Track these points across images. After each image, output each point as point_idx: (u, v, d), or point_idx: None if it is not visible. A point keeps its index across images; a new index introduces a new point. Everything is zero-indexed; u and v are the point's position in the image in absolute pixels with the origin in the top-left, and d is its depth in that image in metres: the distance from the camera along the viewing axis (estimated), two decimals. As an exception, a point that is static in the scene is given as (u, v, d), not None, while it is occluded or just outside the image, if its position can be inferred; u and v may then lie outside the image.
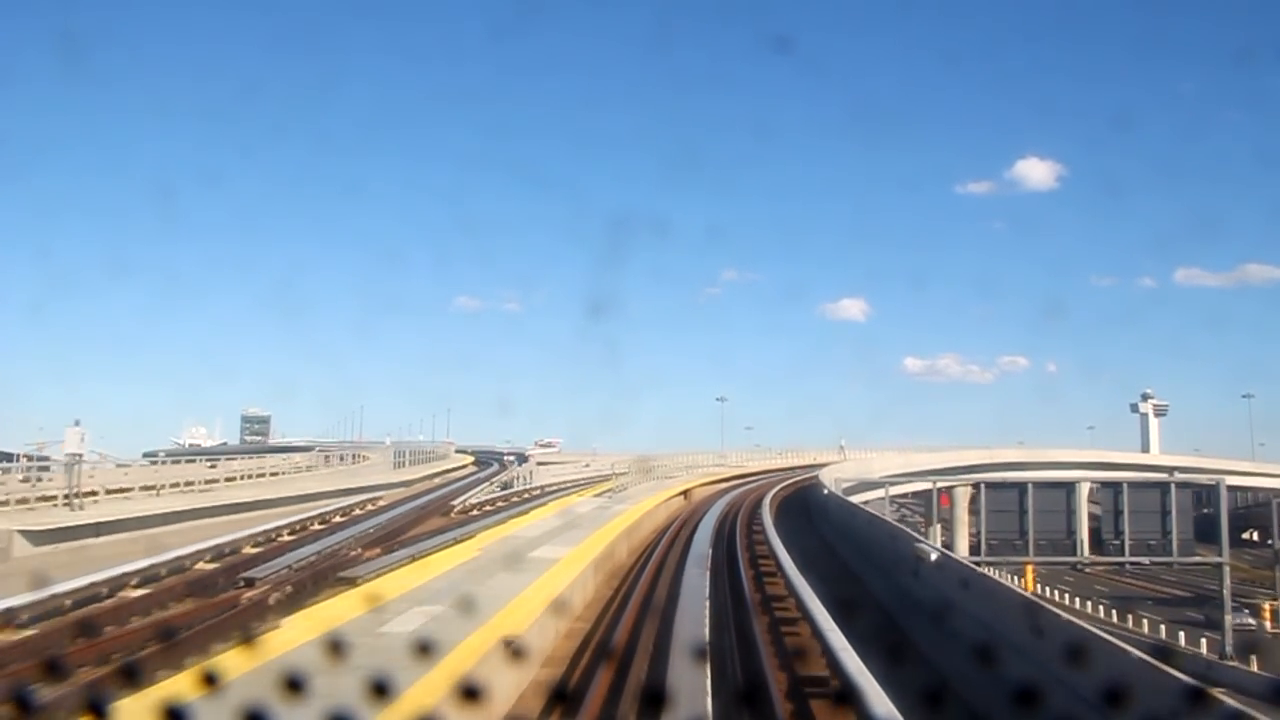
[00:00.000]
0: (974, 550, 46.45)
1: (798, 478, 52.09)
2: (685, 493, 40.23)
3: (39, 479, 27.72)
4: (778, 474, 58.69)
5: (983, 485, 45.31)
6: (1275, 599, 47.55)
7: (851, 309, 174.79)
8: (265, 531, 24.41)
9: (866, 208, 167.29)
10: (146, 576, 17.55)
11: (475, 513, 31.99)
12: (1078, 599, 53.71)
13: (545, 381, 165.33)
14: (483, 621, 11.58)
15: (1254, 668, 37.41)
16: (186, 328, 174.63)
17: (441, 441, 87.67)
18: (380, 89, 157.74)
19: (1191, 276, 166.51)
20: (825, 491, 31.93)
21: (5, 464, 32.84)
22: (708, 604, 15.20)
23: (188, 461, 41.45)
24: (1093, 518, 46.17)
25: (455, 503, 33.06)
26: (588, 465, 54.94)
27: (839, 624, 12.30)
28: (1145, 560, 44.53)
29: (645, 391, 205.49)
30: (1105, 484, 47.05)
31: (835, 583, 19.25)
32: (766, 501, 34.46)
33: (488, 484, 43.05)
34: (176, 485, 30.90)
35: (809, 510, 35.41)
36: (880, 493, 50.41)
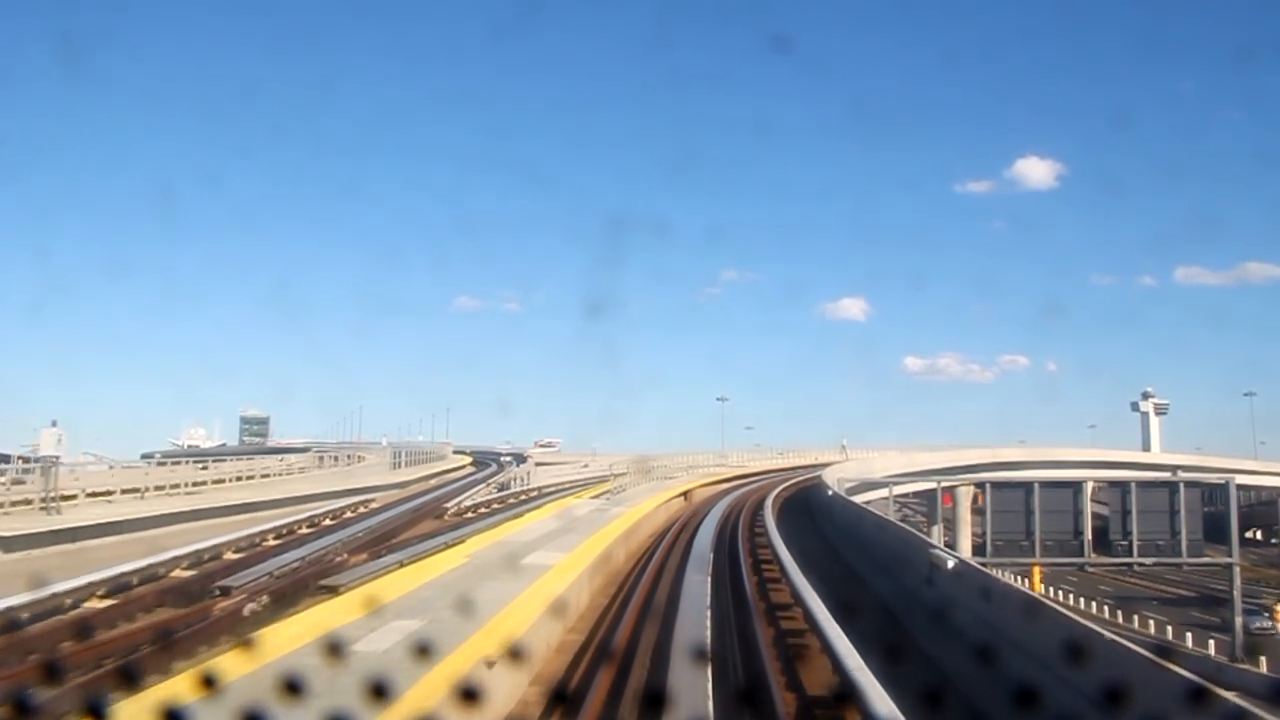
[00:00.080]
0: (978, 551, 45.49)
1: (800, 478, 51.02)
2: (685, 494, 39.14)
3: (21, 481, 26.66)
4: (779, 474, 57.62)
5: (988, 485, 44.27)
6: (1286, 599, 46.55)
7: (851, 308, 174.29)
8: (249, 536, 23.34)
9: (866, 207, 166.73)
10: (116, 585, 16.50)
11: (470, 515, 30.93)
12: (1082, 599, 52.76)
13: (545, 382, 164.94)
14: (465, 638, 10.55)
15: (1263, 669, 36.45)
16: (186, 328, 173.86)
17: (440, 442, 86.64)
18: (380, 89, 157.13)
19: (1192, 275, 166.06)
20: (829, 493, 30.84)
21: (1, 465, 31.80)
22: (709, 613, 14.22)
23: (176, 463, 40.40)
24: (1100, 518, 45.16)
25: (449, 505, 31.98)
26: (586, 466, 53.87)
27: (849, 634, 11.33)
28: (1153, 561, 43.57)
29: (645, 392, 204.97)
30: (1113, 483, 46.07)
31: (842, 588, 18.22)
32: (768, 503, 33.41)
33: (484, 485, 41.97)
34: (162, 488, 29.81)
35: (812, 512, 34.33)
36: (883, 493, 49.46)
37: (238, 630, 13.55)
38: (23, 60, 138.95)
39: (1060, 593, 52.47)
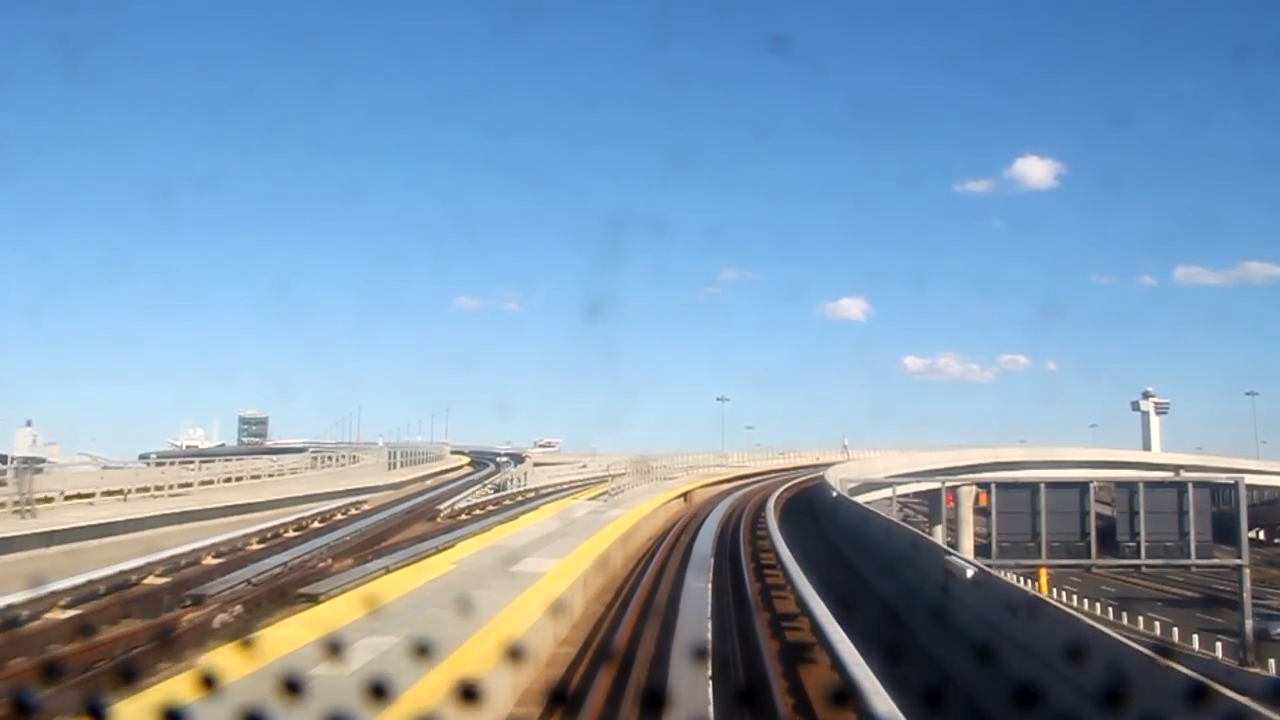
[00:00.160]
0: (981, 552, 44.47)
1: (801, 478, 49.96)
2: (685, 495, 38.07)
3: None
4: (780, 474, 56.56)
5: (994, 486, 43.23)
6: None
7: (851, 308, 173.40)
8: (232, 540, 22.28)
9: (866, 207, 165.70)
10: (82, 594, 15.42)
11: (464, 517, 29.83)
12: (1085, 600, 51.79)
13: (545, 382, 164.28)
14: (446, 655, 9.51)
15: (1273, 672, 35.49)
16: (185, 329, 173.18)
17: (438, 442, 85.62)
18: (378, 90, 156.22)
19: (1191, 275, 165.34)
20: (833, 494, 29.77)
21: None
22: (710, 625, 13.19)
23: (170, 463, 39.34)
24: (1106, 519, 44.09)
25: (443, 507, 30.89)
26: (584, 466, 52.78)
27: (854, 643, 10.33)
28: (1162, 563, 42.52)
29: (645, 392, 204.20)
30: (1120, 484, 44.97)
31: (849, 596, 17.17)
32: (770, 504, 32.32)
33: (480, 486, 40.88)
34: (146, 490, 28.75)
35: (815, 514, 33.25)
36: (885, 493, 48.45)
37: (201, 645, 12.50)
38: (21, 60, 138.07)
39: (1063, 594, 51.49)
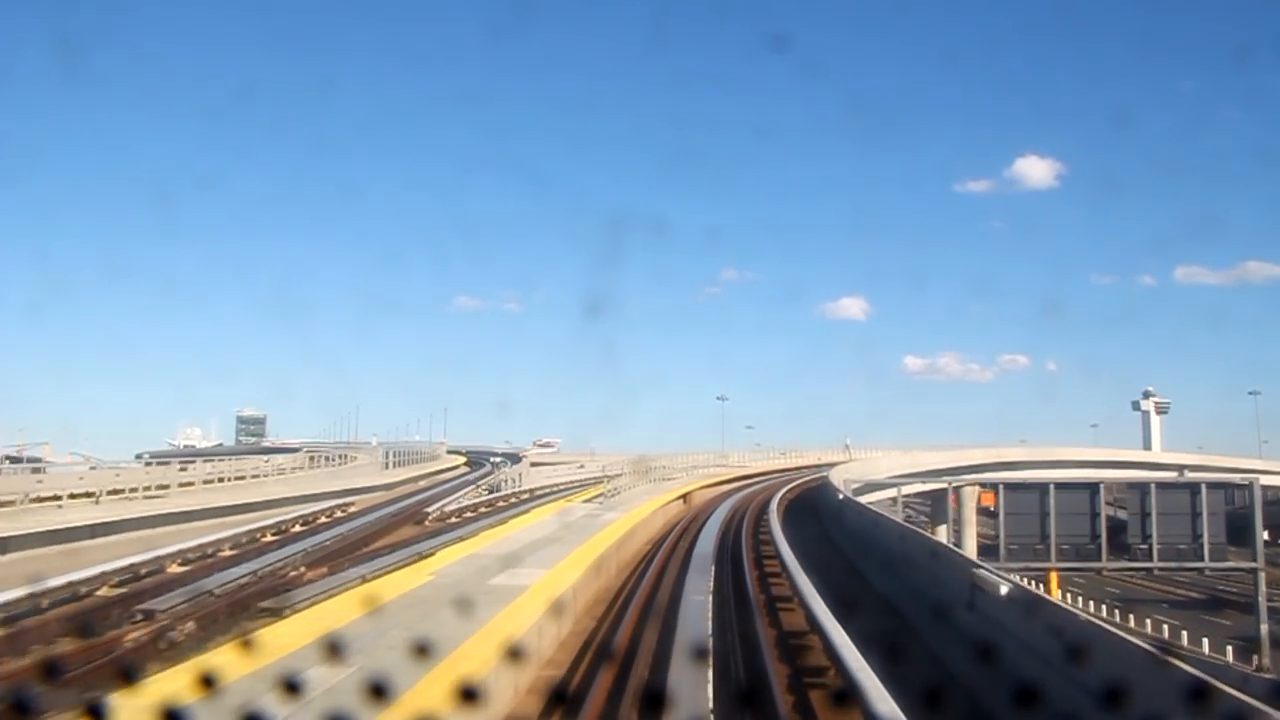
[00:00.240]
0: (987, 553, 42.94)
1: (804, 478, 48.39)
2: (685, 496, 36.49)
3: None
4: (781, 475, 54.99)
5: (1001, 487, 41.64)
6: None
7: (851, 308, 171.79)
8: (202, 545, 20.77)
9: (866, 207, 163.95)
10: (20, 610, 13.91)
11: (453, 520, 28.33)
12: (1091, 602, 50.25)
13: (544, 382, 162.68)
14: (400, 694, 7.95)
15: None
16: (184, 329, 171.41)
17: (435, 442, 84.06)
18: (378, 90, 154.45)
19: (1191, 274, 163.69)
20: (839, 497, 28.17)
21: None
22: (711, 641, 11.70)
23: (156, 463, 37.83)
24: (1115, 520, 42.56)
25: (432, 509, 29.36)
26: (582, 466, 51.21)
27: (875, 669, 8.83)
28: (1174, 565, 40.98)
29: (645, 391, 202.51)
30: (1131, 485, 43.43)
31: (861, 610, 15.64)
32: (773, 506, 30.74)
33: (473, 487, 39.33)
34: (120, 491, 27.21)
35: (820, 518, 31.64)
36: (890, 493, 46.89)
37: (138, 670, 10.95)
38: (21, 60, 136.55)
39: (1068, 595, 49.89)
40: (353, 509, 31.16)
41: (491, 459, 63.42)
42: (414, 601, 12.72)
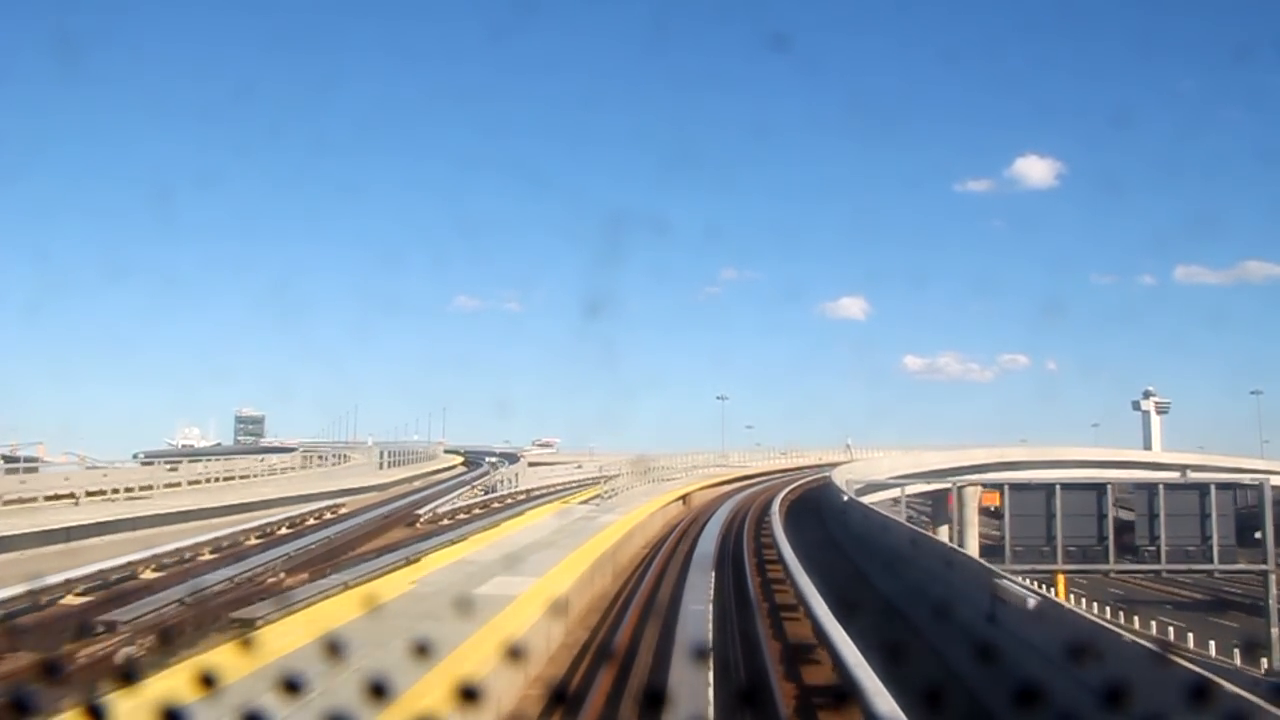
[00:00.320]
0: (988, 554, 41.97)
1: (805, 479, 47.38)
2: (684, 498, 35.46)
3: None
4: (782, 475, 53.97)
5: (1006, 487, 40.63)
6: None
7: (851, 308, 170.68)
8: (180, 550, 19.75)
9: (866, 206, 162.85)
10: (-26, 620, 12.92)
11: (446, 522, 27.31)
12: (1095, 604, 49.28)
13: (544, 381, 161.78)
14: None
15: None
16: (184, 329, 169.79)
17: (433, 442, 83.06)
18: (378, 89, 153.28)
19: (1191, 274, 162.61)
20: (844, 498, 27.12)
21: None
22: (712, 658, 10.68)
23: (150, 463, 36.87)
24: (1122, 521, 41.52)
25: (424, 511, 28.33)
26: (579, 467, 50.19)
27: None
28: (1184, 568, 39.93)
29: (644, 391, 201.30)
30: (1138, 485, 42.42)
31: (873, 620, 14.64)
32: (775, 509, 29.71)
33: (469, 488, 38.28)
34: (102, 493, 26.21)
35: (824, 520, 30.62)
36: (891, 493, 45.88)
37: (82, 690, 9.94)
38: (20, 60, 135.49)
39: (1073, 597, 48.87)
40: (343, 510, 30.15)
41: (486, 459, 62.38)
42: (394, 612, 11.71)
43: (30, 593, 14.53)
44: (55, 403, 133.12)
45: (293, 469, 45.34)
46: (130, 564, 17.59)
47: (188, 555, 19.70)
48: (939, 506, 53.79)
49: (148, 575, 17.62)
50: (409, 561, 18.11)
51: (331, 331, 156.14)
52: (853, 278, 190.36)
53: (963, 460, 61.02)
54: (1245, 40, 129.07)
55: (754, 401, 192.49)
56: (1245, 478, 50.68)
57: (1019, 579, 11.93)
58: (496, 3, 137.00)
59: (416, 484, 45.03)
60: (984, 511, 48.25)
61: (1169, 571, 40.23)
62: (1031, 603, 10.15)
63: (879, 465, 52.56)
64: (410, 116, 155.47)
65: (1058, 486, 40.19)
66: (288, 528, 25.22)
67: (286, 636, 10.73)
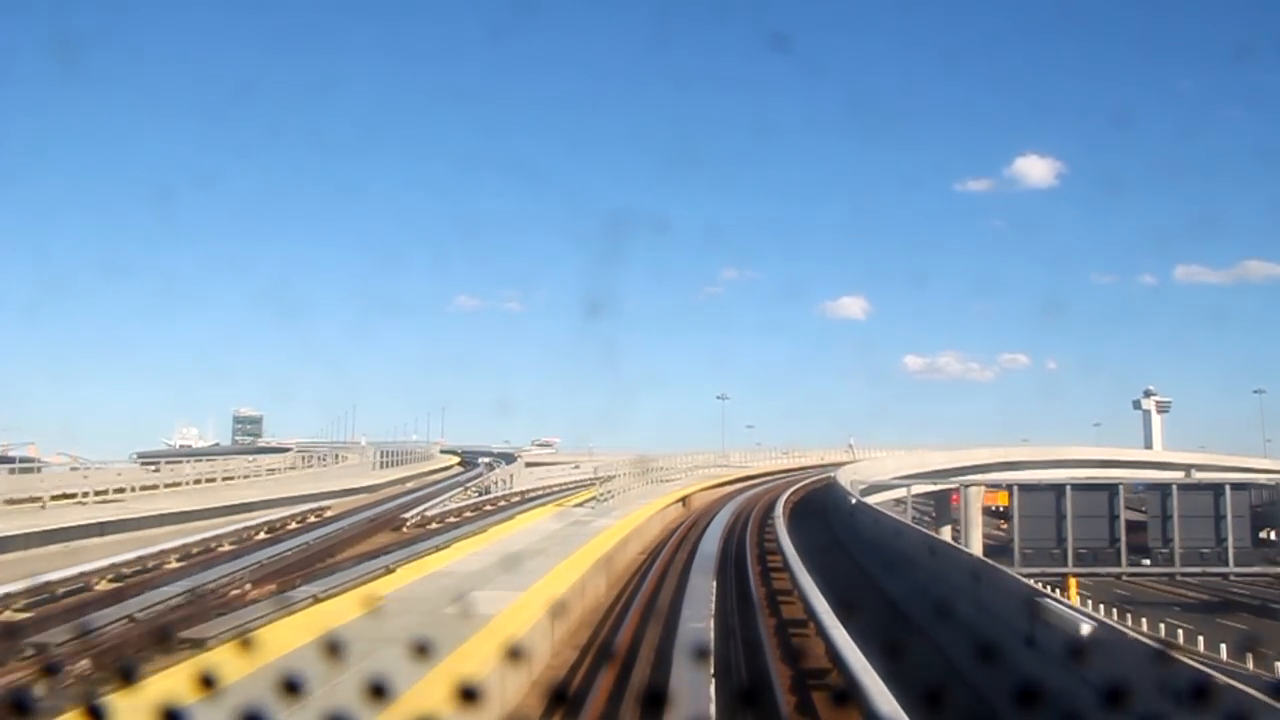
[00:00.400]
0: (992, 554, 40.51)
1: (808, 480, 45.80)
2: (684, 499, 33.93)
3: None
4: (784, 475, 52.39)
5: (1016, 488, 39.18)
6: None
7: (851, 307, 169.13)
8: (144, 558, 18.25)
9: (866, 206, 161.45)
10: (-114, 643, 11.40)
11: (434, 525, 25.80)
12: (1102, 606, 47.80)
13: (544, 381, 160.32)
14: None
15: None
16: (183, 329, 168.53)
17: (430, 442, 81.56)
18: (378, 89, 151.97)
19: (1192, 274, 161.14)
20: (852, 501, 25.57)
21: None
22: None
23: (148, 464, 35.39)
24: (1134, 523, 40.08)
25: (412, 514, 26.80)
26: (577, 467, 48.64)
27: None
28: (1198, 571, 38.42)
29: (645, 391, 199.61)
30: (1151, 486, 41.03)
31: (880, 630, 13.13)
32: (778, 510, 28.22)
33: (462, 489, 36.77)
34: (72, 496, 24.71)
35: (830, 524, 29.04)
36: (895, 493, 44.43)
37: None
38: (20, 60, 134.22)
39: (1078, 598, 47.37)
40: (329, 514, 28.65)
41: (479, 459, 60.85)
42: (354, 635, 10.19)
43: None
44: (55, 402, 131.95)
45: (285, 469, 43.89)
46: (84, 575, 16.09)
47: (150, 564, 18.20)
48: (942, 506, 52.40)
49: (102, 587, 16.11)
50: (388, 570, 16.62)
51: (331, 331, 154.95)
52: (853, 277, 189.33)
53: (965, 460, 59.66)
54: (1245, 40, 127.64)
55: (754, 401, 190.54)
56: (1261, 478, 49.13)
57: (1064, 601, 10.37)
58: (496, 3, 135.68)
59: (409, 485, 43.51)
60: (986, 511, 46.89)
61: (1182, 575, 38.70)
62: (1085, 629, 8.60)
63: (883, 465, 51.06)
64: (410, 116, 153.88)
65: (1068, 487, 38.82)
66: (266, 533, 23.72)
67: (230, 664, 9.25)
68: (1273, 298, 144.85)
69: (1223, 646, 38.06)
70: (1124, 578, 40.53)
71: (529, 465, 53.02)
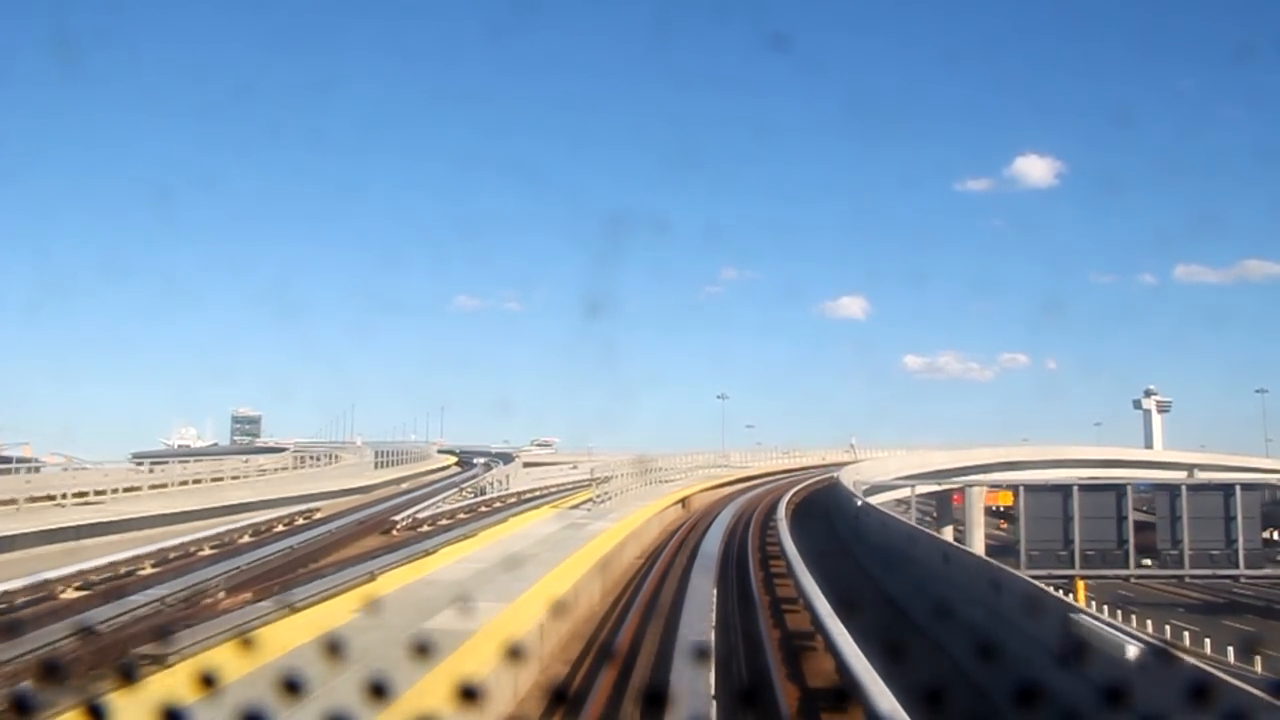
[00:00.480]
0: (995, 554, 39.52)
1: (810, 480, 44.85)
2: (683, 501, 32.93)
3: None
4: (785, 475, 51.43)
5: (1022, 489, 38.13)
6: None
7: (851, 307, 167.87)
8: (116, 563, 17.26)
9: (866, 205, 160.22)
10: None
11: (426, 528, 24.79)
12: (1105, 607, 46.88)
13: (544, 381, 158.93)
14: None
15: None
16: (183, 329, 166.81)
17: (428, 442, 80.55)
18: (378, 88, 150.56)
19: (1192, 273, 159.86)
20: (858, 503, 24.56)
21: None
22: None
23: (142, 465, 34.41)
24: (1142, 524, 39.03)
25: (403, 516, 25.79)
26: (575, 467, 47.64)
27: None
28: (1208, 573, 37.33)
29: (644, 391, 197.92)
30: (1160, 486, 40.01)
31: (904, 656, 12.15)
32: (781, 512, 27.24)
33: (457, 490, 35.78)
34: (52, 498, 23.73)
35: (835, 527, 28.08)
36: (902, 493, 43.43)
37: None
38: (20, 60, 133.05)
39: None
40: (318, 515, 27.68)
41: (475, 460, 59.81)
42: (320, 653, 9.21)
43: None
44: (54, 402, 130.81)
45: (280, 470, 42.88)
46: (46, 582, 15.09)
47: (123, 570, 17.20)
48: (943, 506, 51.45)
49: (67, 595, 15.12)
50: (371, 577, 15.62)
51: (330, 331, 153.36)
52: (853, 277, 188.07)
53: (967, 460, 58.73)
54: (1245, 40, 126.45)
55: (754, 401, 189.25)
56: (1272, 478, 48.10)
57: (1116, 625, 9.38)
58: (496, 3, 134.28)
59: (404, 485, 42.52)
60: (986, 511, 45.91)
61: (1192, 577, 37.62)
62: (1131, 651, 7.60)
63: (885, 465, 50.06)
64: (410, 116, 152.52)
65: (1075, 488, 37.80)
66: (250, 536, 22.72)
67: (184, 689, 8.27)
68: (1273, 297, 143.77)
69: (1229, 649, 37.14)
70: (1131, 580, 39.48)
71: (527, 465, 52.09)
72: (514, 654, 9.83)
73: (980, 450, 63.04)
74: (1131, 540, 36.83)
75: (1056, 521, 36.65)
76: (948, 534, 41.84)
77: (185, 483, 31.41)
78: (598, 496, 26.19)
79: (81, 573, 16.14)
